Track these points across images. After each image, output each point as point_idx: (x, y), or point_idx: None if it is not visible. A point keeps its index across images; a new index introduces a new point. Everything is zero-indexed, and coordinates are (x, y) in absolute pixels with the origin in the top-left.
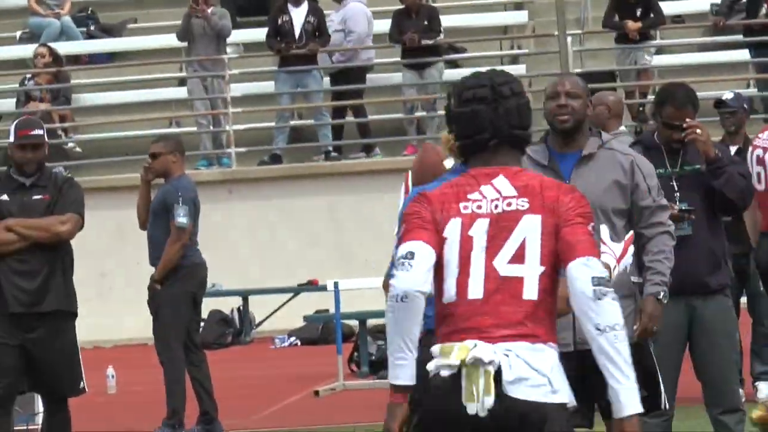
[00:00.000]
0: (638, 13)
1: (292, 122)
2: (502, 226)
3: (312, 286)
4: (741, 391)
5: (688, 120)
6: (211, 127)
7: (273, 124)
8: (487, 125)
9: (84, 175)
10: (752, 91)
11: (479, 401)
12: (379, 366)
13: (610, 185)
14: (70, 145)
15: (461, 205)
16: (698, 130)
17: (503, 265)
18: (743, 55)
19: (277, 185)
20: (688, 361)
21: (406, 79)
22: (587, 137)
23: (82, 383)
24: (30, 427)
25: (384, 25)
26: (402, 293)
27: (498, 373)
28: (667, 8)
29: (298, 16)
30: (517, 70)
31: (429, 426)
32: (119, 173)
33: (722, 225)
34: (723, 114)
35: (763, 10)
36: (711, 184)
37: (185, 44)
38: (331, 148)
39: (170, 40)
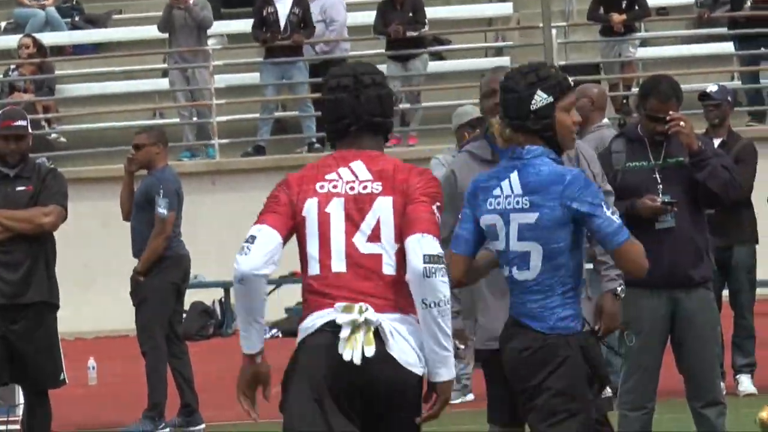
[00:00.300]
0: (623, 5)
1: (277, 114)
2: (358, 207)
3: (294, 278)
4: (722, 384)
5: (671, 112)
6: (195, 119)
7: (257, 115)
8: (348, 112)
9: (67, 166)
10: (736, 83)
11: (357, 349)
12: None
13: None
14: (54, 135)
15: (318, 185)
16: (682, 123)
17: (362, 243)
18: (728, 47)
19: (260, 176)
20: (670, 354)
21: (391, 71)
22: None
23: (62, 375)
24: (10, 419)
25: (368, 17)
26: (240, 276)
27: (377, 334)
28: (652, 0)
29: (283, 7)
30: (502, 61)
31: (301, 385)
32: (103, 164)
33: (705, 218)
34: (707, 106)
35: (748, 3)
36: (694, 176)
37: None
38: (314, 140)
39: (155, 31)
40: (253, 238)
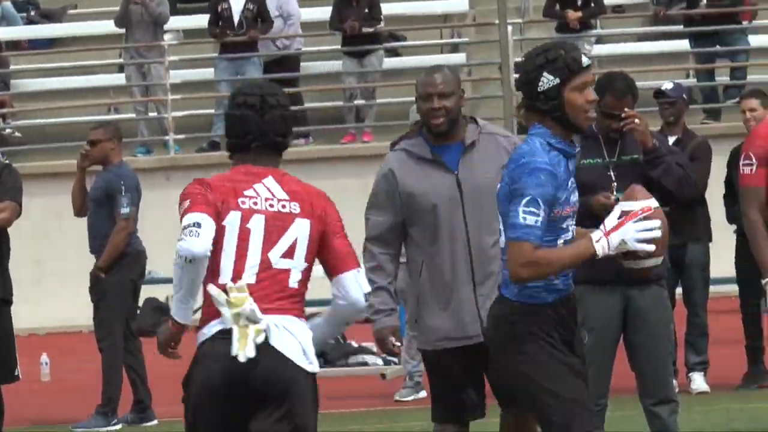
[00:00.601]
0: (579, 2)
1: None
2: (277, 224)
3: None
4: (675, 382)
5: (626, 109)
6: (150, 114)
7: (212, 111)
8: (253, 129)
9: (22, 161)
10: (692, 81)
11: (247, 347)
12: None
13: (498, 170)
14: (9, 130)
15: (239, 200)
16: (637, 120)
17: (276, 258)
18: (683, 45)
19: (214, 172)
20: (622, 351)
21: (346, 67)
22: (464, 126)
23: (16, 370)
24: None
25: (324, 13)
26: (191, 256)
27: (266, 333)
28: None
29: (237, 3)
30: (457, 58)
31: (200, 392)
32: (58, 159)
33: None
34: (662, 104)
35: (704, 0)
36: (649, 174)
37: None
38: None
39: (110, 27)
40: (198, 223)
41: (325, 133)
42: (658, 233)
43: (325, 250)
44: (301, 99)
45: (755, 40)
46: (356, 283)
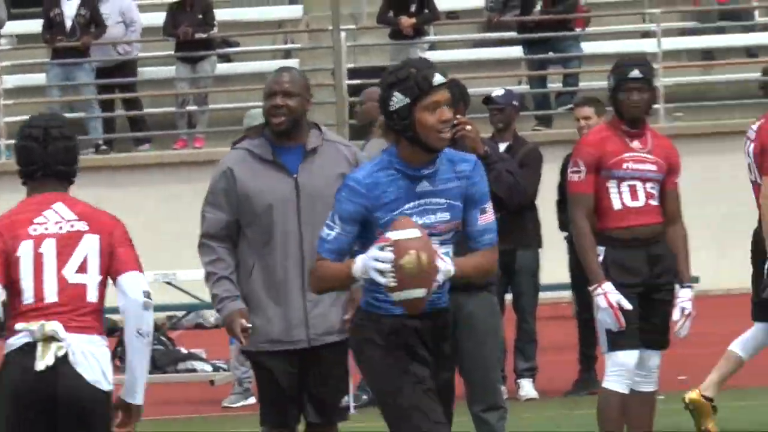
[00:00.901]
0: (413, 8)
1: (64, 115)
2: (68, 243)
3: None
4: (503, 388)
5: (458, 116)
6: None
7: None
8: (37, 159)
9: None
10: (524, 87)
11: (47, 357)
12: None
13: (337, 178)
14: None
15: (30, 228)
16: (468, 127)
17: (71, 274)
18: (517, 51)
19: None
20: None
21: (179, 73)
22: (307, 130)
23: None
24: None
25: (158, 18)
26: None
27: (66, 356)
28: (442, 4)
29: (70, 9)
30: (291, 64)
31: (3, 402)
32: None
33: None
34: (491, 111)
35: (537, 7)
36: None
37: None
38: (101, 142)
39: None
40: None
41: (158, 139)
42: (386, 266)
43: (111, 260)
44: (140, 104)
45: (588, 47)
46: (136, 282)
